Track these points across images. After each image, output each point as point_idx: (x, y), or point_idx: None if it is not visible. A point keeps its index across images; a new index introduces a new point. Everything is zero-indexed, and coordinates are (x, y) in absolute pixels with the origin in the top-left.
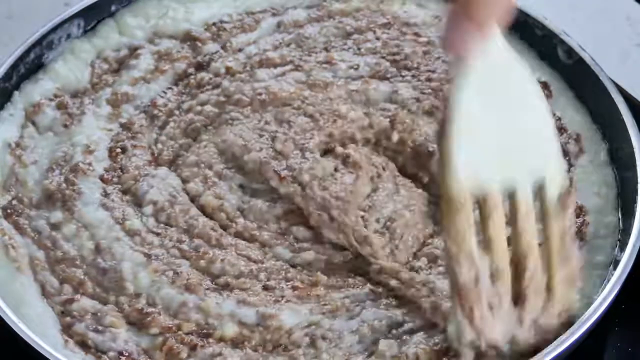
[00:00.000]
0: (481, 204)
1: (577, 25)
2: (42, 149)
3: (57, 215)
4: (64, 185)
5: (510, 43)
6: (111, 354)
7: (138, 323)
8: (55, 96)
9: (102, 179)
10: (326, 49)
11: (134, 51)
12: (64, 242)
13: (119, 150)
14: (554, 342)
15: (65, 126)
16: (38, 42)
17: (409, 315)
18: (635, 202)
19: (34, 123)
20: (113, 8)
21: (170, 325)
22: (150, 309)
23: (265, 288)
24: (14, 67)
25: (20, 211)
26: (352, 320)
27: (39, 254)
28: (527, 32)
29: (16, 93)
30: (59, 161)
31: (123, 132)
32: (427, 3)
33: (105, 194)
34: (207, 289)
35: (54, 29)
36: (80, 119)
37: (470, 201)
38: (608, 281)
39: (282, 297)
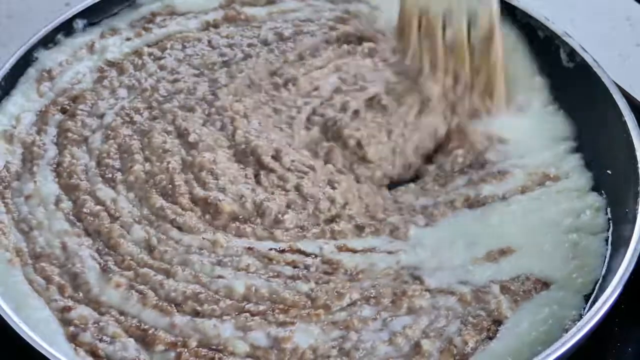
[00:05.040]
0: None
1: (577, 26)
2: (59, 78)
3: (29, 187)
4: (36, 137)
5: (511, 43)
6: None
7: (140, 339)
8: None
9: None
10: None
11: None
12: (37, 231)
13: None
14: (555, 343)
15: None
16: (39, 42)
17: (425, 315)
18: (637, 203)
19: (93, 47)
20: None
21: (174, 341)
22: (146, 326)
23: (252, 313)
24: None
25: (7, 183)
26: (381, 332)
27: (22, 244)
28: (528, 33)
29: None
30: (56, 100)
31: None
32: None
33: (57, 151)
34: (179, 311)
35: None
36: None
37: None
38: (609, 283)
39: (278, 320)
